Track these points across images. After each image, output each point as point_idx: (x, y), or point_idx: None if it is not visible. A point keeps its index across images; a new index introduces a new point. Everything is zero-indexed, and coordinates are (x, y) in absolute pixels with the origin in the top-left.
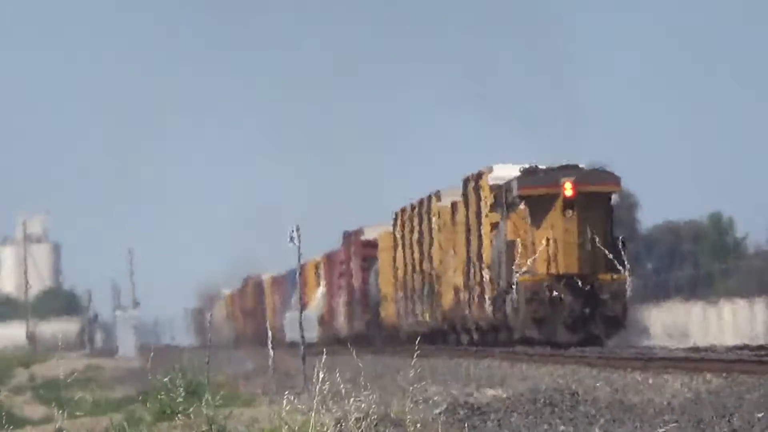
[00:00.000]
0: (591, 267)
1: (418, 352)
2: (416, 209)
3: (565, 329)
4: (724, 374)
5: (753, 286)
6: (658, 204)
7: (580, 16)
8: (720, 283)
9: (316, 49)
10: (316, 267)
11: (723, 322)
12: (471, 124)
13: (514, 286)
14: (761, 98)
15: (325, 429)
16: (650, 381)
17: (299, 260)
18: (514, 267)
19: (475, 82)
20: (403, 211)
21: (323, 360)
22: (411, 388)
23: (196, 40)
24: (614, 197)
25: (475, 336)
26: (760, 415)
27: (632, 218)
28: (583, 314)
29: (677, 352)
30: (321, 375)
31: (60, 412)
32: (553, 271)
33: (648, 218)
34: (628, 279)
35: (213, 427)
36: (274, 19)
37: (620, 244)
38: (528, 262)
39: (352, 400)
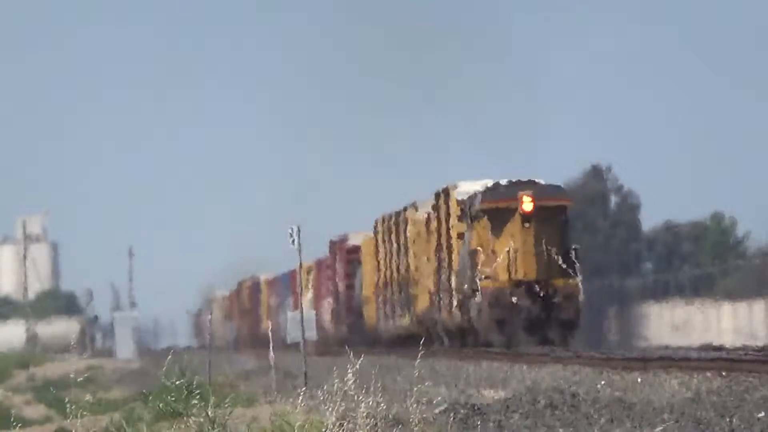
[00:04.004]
0: (547, 274)
1: (423, 352)
2: (395, 218)
3: (523, 332)
4: (724, 374)
5: (754, 286)
6: (659, 204)
7: (582, 14)
8: (720, 283)
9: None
10: (308, 271)
11: (723, 322)
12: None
13: (477, 291)
14: (762, 97)
15: (327, 428)
16: (650, 381)
17: (300, 260)
18: (477, 273)
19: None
20: (383, 219)
21: (324, 361)
22: (415, 388)
23: (196, 40)
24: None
25: (446, 339)
26: (760, 415)
27: (633, 218)
28: (540, 318)
29: (677, 351)
30: (324, 376)
31: (68, 409)
32: (512, 277)
33: (649, 218)
34: (580, 284)
35: (214, 426)
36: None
37: (573, 252)
38: (489, 270)
39: (360, 399)
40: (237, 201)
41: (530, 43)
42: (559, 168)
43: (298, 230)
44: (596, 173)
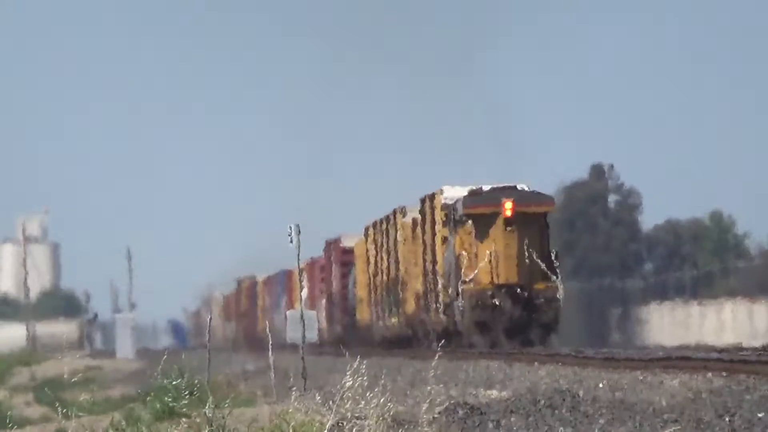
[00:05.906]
0: (528, 277)
1: (440, 354)
2: (385, 222)
3: (504, 334)
4: (724, 374)
5: (754, 285)
6: (659, 203)
7: (582, 14)
8: (720, 282)
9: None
10: (302, 271)
11: (723, 322)
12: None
13: (461, 294)
14: (762, 96)
15: (327, 429)
16: (650, 381)
17: (299, 260)
18: (460, 277)
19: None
20: (374, 223)
21: (323, 362)
22: (428, 388)
23: (197, 41)
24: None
25: (433, 340)
26: (760, 415)
27: (633, 218)
28: (521, 320)
29: (677, 351)
30: (323, 376)
31: (63, 411)
32: (494, 281)
33: (649, 218)
34: (560, 287)
35: (212, 426)
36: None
37: (554, 256)
38: (472, 273)
39: (371, 396)
40: (236, 201)
41: (531, 43)
42: (560, 168)
43: (298, 229)
44: (597, 173)
